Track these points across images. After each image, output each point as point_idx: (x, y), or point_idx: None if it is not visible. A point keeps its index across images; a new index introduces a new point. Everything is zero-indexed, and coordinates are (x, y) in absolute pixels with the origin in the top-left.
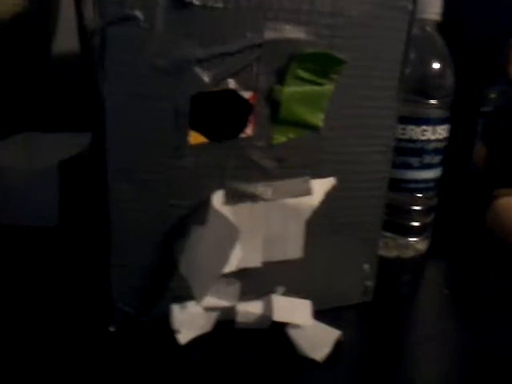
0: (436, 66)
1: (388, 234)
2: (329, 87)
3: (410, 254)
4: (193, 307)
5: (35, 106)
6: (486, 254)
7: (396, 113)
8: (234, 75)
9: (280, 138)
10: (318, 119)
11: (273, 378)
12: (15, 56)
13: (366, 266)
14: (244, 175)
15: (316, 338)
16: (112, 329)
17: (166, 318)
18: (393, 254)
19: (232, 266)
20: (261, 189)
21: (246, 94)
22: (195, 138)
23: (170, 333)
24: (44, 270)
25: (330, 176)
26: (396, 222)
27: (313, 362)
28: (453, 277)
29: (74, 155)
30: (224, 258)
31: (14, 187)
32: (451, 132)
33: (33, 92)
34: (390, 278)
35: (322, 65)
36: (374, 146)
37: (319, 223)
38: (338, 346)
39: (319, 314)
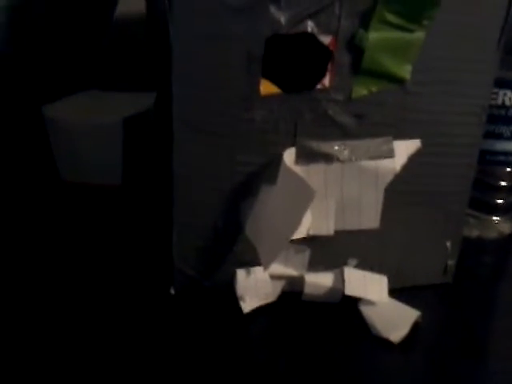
0: None
1: (469, 211)
2: (419, 34)
3: (492, 234)
4: (259, 273)
5: (101, 65)
6: None
7: (494, 68)
8: (312, 16)
9: (361, 90)
10: (404, 71)
11: (341, 357)
12: (82, 13)
13: (449, 244)
14: (318, 132)
15: (392, 318)
16: (172, 291)
17: (229, 283)
18: (473, 233)
19: (302, 232)
20: (337, 148)
21: (326, 39)
22: (266, 87)
23: (234, 300)
24: (105, 229)
25: (415, 137)
26: (479, 198)
27: (387, 343)
28: None
29: (138, 113)
30: (295, 222)
31: (78, 143)
32: None
33: (99, 50)
34: (470, 260)
35: (413, 8)
36: (467, 105)
37: (400, 191)
38: (415, 328)
39: (394, 293)
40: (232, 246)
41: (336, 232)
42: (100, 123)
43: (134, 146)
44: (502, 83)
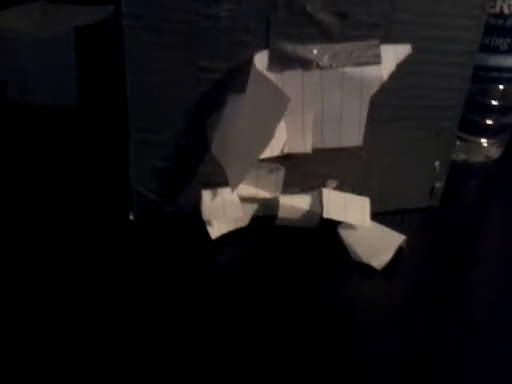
0: None
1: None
2: None
3: (479, 158)
4: (227, 195)
5: None
6: None
7: None
8: None
9: None
10: None
11: (319, 286)
12: None
13: (437, 164)
14: (295, 33)
15: (375, 242)
16: (131, 217)
17: (194, 208)
18: (459, 157)
19: (277, 149)
20: (316, 52)
21: None
22: None
23: (200, 225)
24: (59, 153)
25: (405, 42)
26: (467, 117)
27: (369, 268)
28: None
29: (92, 23)
30: (267, 135)
31: (27, 58)
32: None
33: None
34: (457, 184)
35: None
36: (464, 5)
37: (386, 105)
38: (399, 253)
39: (378, 216)
40: (197, 166)
41: (314, 150)
42: (50, 34)
43: (90, 63)
44: None
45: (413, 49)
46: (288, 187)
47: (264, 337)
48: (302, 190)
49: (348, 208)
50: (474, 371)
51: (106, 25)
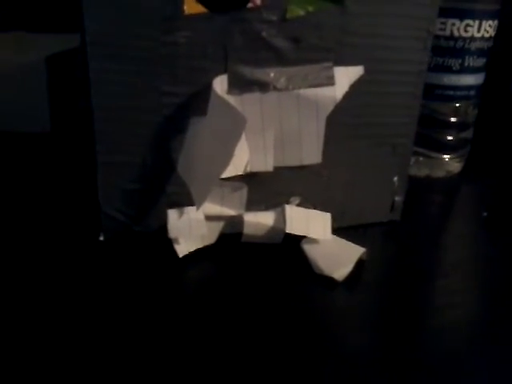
0: None
1: (417, 149)
2: None
3: (441, 173)
4: (192, 214)
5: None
6: None
7: None
8: None
9: (296, 10)
10: None
11: (284, 297)
12: None
13: (396, 179)
14: (252, 57)
15: (336, 255)
16: (101, 238)
17: (163, 227)
18: (422, 172)
19: (240, 168)
20: (272, 75)
21: None
22: (191, 6)
23: (169, 244)
24: (32, 178)
25: (357, 64)
26: (428, 134)
27: (331, 281)
28: (491, 199)
29: (64, 51)
30: (227, 155)
31: (1, 87)
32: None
33: None
34: (419, 198)
35: None
36: (411, 29)
37: (343, 123)
38: (360, 265)
39: (339, 231)
40: (164, 186)
41: (276, 168)
42: (22, 63)
43: (62, 89)
44: (449, 12)
45: (364, 70)
46: (253, 205)
47: (233, 351)
48: (267, 207)
49: (310, 223)
50: (439, 376)
51: (77, 52)
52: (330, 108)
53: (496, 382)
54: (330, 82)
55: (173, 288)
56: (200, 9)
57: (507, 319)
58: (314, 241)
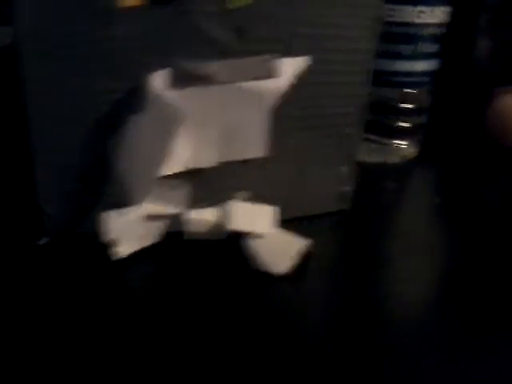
0: None
1: (371, 137)
2: None
3: (395, 159)
4: (132, 214)
5: None
6: (483, 159)
7: None
8: None
9: (237, 1)
10: None
11: (229, 294)
12: None
13: (344, 169)
14: (193, 51)
15: (280, 249)
16: (43, 241)
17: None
18: (376, 159)
19: (180, 165)
20: (215, 68)
21: None
22: None
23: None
24: None
25: (305, 54)
26: (381, 121)
27: (276, 274)
28: (445, 185)
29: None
30: (164, 152)
31: None
32: (451, 21)
33: None
34: (371, 186)
35: None
36: (359, 17)
37: (288, 115)
38: (308, 257)
39: (289, 224)
40: (103, 187)
41: (221, 164)
42: None
43: (2, 84)
44: None
45: (312, 60)
46: (197, 202)
47: (178, 350)
48: (211, 203)
49: (254, 218)
50: (389, 365)
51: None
52: (275, 100)
53: (443, 367)
54: (274, 74)
55: (113, 289)
56: (135, 2)
57: (456, 306)
58: (258, 235)
